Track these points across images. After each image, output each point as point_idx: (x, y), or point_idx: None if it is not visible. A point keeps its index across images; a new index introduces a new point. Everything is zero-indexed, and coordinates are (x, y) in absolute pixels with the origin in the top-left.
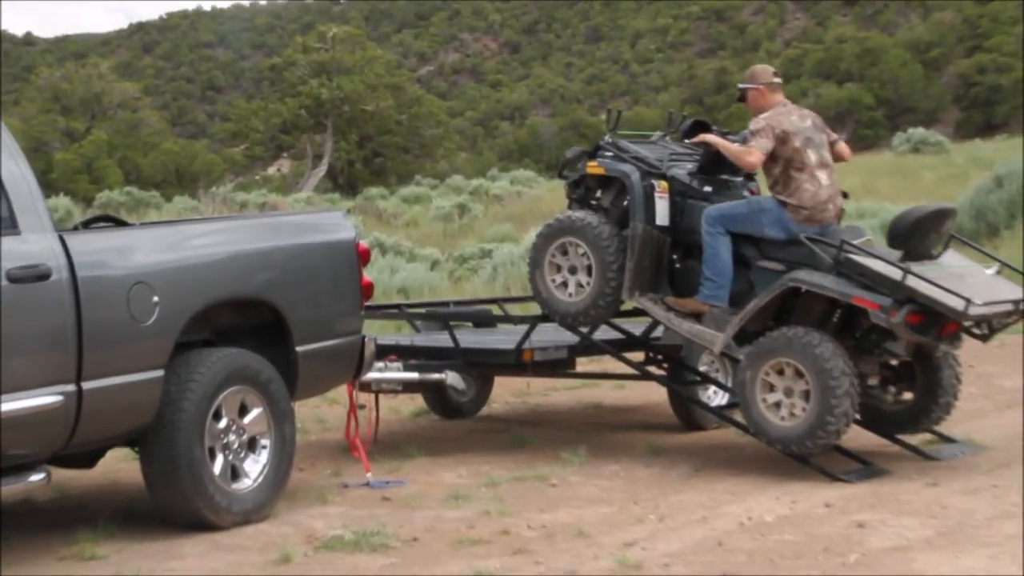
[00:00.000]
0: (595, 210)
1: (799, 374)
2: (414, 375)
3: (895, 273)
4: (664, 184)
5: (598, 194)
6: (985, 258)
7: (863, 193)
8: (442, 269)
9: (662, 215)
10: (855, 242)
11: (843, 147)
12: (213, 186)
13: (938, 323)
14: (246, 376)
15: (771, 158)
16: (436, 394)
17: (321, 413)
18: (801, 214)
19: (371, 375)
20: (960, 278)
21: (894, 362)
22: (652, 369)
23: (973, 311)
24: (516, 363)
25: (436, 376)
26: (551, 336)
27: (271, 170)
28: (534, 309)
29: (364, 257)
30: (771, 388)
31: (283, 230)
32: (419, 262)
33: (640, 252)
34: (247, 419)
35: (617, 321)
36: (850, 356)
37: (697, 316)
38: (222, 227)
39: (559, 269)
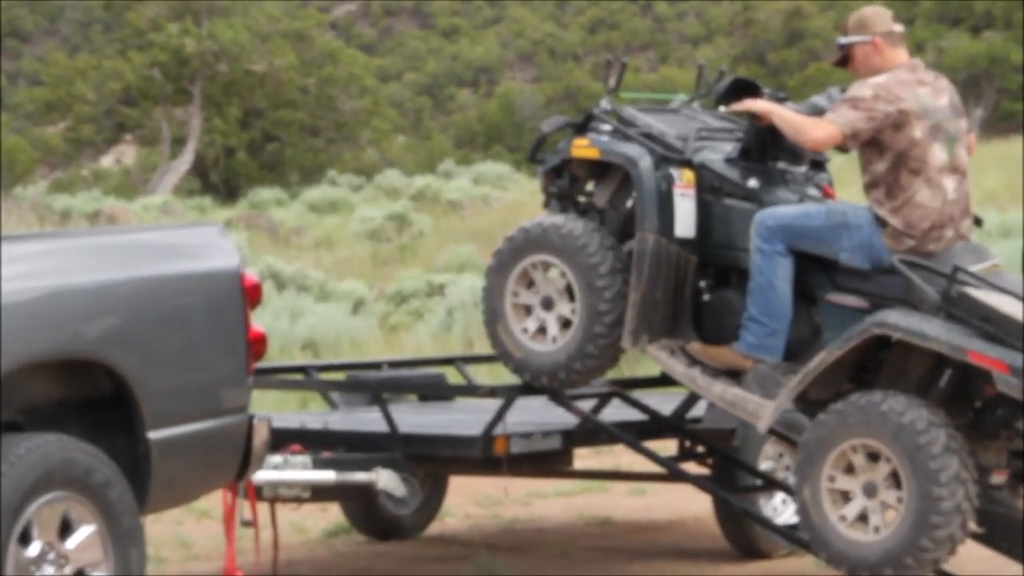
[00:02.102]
0: (583, 212)
1: (881, 460)
2: (329, 474)
3: None
4: (688, 175)
5: (589, 188)
6: None
7: (1008, 199)
8: (370, 313)
9: (685, 222)
10: (974, 268)
11: (971, 140)
12: (17, 185)
13: None
14: (70, 477)
15: (876, 148)
16: (362, 504)
17: (186, 533)
18: (904, 242)
19: (263, 475)
20: None
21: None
22: (688, 467)
23: None
24: (483, 456)
25: (362, 476)
26: (537, 416)
27: (107, 160)
28: (511, 375)
29: (253, 295)
30: (845, 496)
31: (127, 255)
32: (335, 302)
33: (651, 277)
34: (72, 542)
35: (634, 393)
36: (965, 440)
37: (735, 374)
38: (33, 250)
39: (528, 310)
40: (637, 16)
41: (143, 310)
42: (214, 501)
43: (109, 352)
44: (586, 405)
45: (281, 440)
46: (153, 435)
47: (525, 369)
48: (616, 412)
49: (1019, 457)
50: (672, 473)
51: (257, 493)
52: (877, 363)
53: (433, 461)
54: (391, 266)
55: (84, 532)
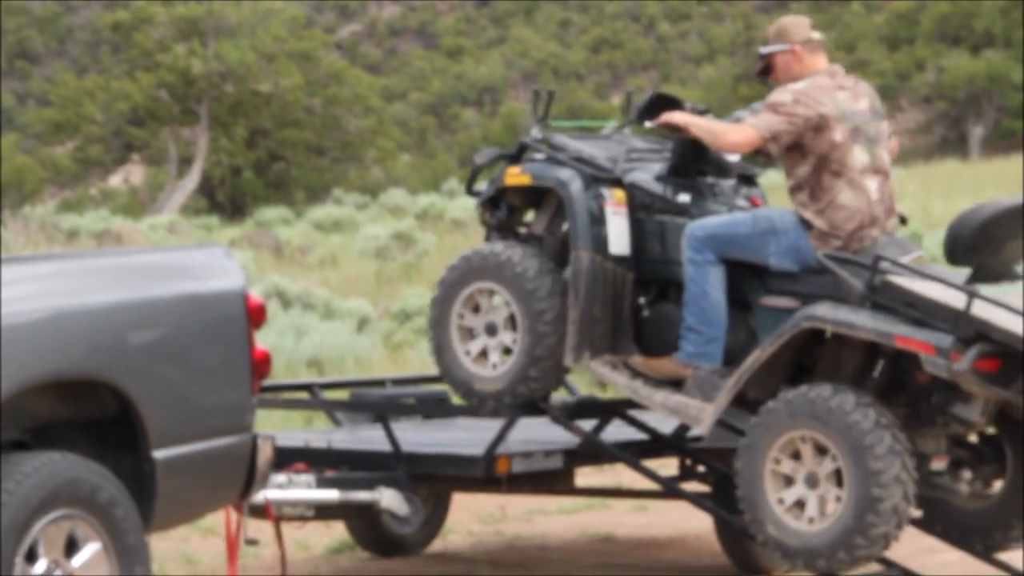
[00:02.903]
0: (525, 241)
1: (824, 453)
2: (332, 493)
3: (956, 299)
4: (619, 194)
5: (528, 218)
6: None
7: None
8: (374, 331)
9: (618, 239)
10: (903, 260)
11: (893, 144)
12: (25, 204)
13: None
14: (76, 495)
15: (798, 152)
16: (365, 521)
17: (191, 550)
18: (830, 243)
19: (268, 493)
20: None
21: (973, 440)
22: (689, 485)
23: None
24: (486, 476)
25: (365, 495)
26: (539, 433)
27: (114, 180)
28: None
29: (257, 316)
30: (788, 480)
31: (134, 276)
32: (340, 320)
33: (588, 294)
34: (77, 560)
35: (635, 412)
36: (904, 429)
37: (679, 384)
38: (40, 271)
39: (472, 334)
40: (640, 36)
41: (148, 331)
42: (220, 518)
43: (114, 373)
44: (588, 425)
45: (285, 459)
46: (158, 454)
47: (470, 394)
48: (617, 431)
49: (960, 444)
50: (672, 492)
51: (262, 511)
52: (812, 361)
53: (435, 480)
54: (396, 284)
55: (90, 550)
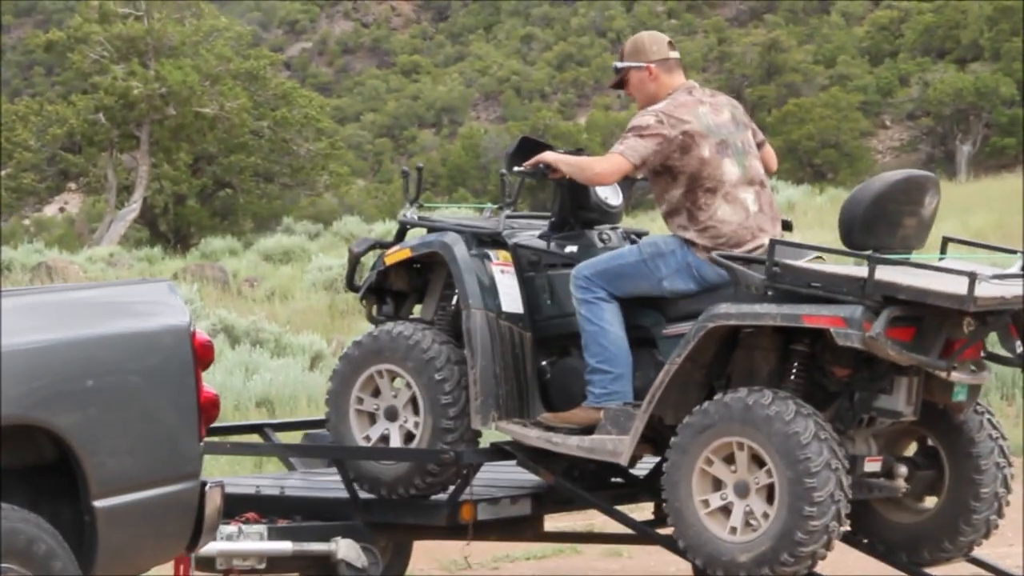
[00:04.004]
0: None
1: (757, 461)
2: (285, 545)
3: (857, 270)
4: (504, 254)
5: (416, 309)
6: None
7: (1000, 239)
8: (328, 368)
9: (510, 297)
10: (799, 263)
11: (768, 152)
12: None
13: (940, 334)
14: (12, 548)
15: (668, 174)
16: (321, 573)
17: None
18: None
19: (216, 545)
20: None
21: (912, 447)
22: (666, 530)
23: (984, 292)
24: (449, 524)
25: (320, 547)
26: (506, 475)
27: (50, 210)
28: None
29: (204, 355)
30: (717, 484)
31: (72, 313)
32: (291, 356)
33: (485, 351)
34: None
35: None
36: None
37: (591, 430)
38: None
39: (373, 419)
40: (607, 51)
41: (87, 372)
42: (168, 570)
43: (52, 417)
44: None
45: (235, 507)
46: (99, 503)
47: (367, 480)
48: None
49: (893, 443)
50: (647, 537)
51: (210, 564)
52: (726, 381)
53: (395, 528)
54: (350, 318)
55: None
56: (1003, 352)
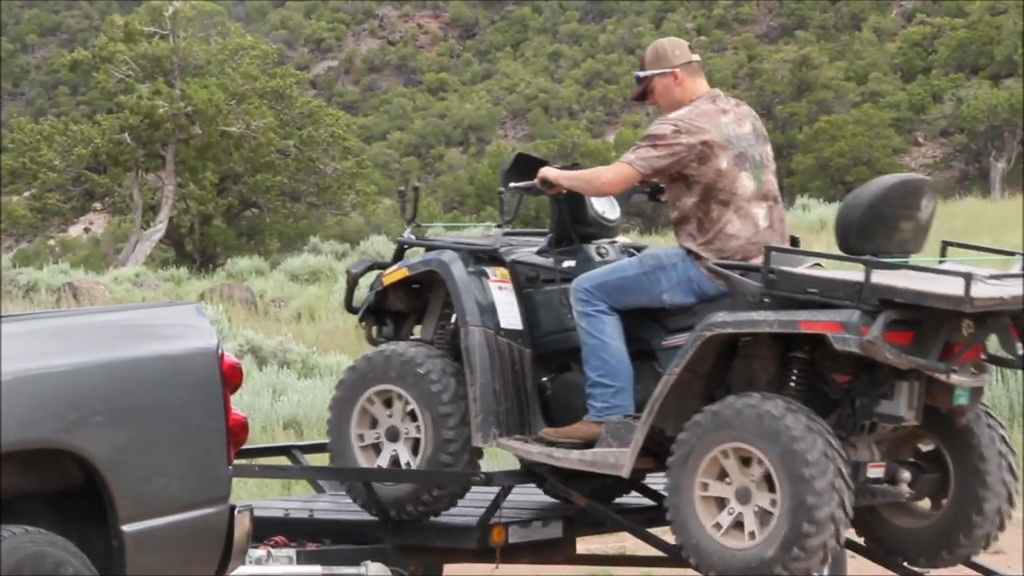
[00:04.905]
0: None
1: (753, 464)
2: (315, 569)
3: (854, 275)
4: (502, 271)
5: (416, 330)
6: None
7: None
8: None
9: (508, 314)
10: (795, 269)
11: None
12: None
13: (939, 337)
14: (39, 572)
15: (683, 182)
16: None
17: None
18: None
19: (245, 570)
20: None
21: (921, 451)
22: None
23: (982, 293)
24: (479, 547)
25: (349, 571)
26: (538, 499)
27: (75, 230)
28: (506, 457)
29: (233, 378)
30: (719, 501)
31: (99, 336)
32: (319, 378)
33: (484, 368)
34: None
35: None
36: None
37: (592, 444)
38: None
39: (377, 447)
40: (635, 69)
41: (115, 396)
42: None
43: (79, 441)
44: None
45: (264, 531)
46: (127, 528)
47: (372, 503)
48: (622, 497)
49: (898, 448)
50: (678, 560)
51: None
52: (726, 388)
53: (425, 552)
54: None
55: None
56: (1004, 354)
